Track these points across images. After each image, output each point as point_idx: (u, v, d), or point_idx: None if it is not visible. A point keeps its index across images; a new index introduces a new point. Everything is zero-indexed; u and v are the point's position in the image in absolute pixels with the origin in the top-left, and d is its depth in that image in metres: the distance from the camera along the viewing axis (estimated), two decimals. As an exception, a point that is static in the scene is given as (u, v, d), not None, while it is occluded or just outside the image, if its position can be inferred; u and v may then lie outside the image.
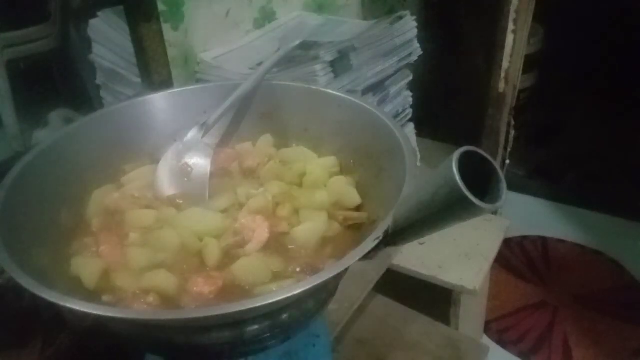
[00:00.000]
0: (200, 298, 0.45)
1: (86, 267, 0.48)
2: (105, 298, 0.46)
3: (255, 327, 0.44)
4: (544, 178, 1.98)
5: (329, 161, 0.59)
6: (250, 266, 0.47)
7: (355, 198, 0.54)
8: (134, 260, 0.49)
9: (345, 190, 0.55)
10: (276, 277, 0.47)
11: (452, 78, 1.52)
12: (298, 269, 0.48)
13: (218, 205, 0.54)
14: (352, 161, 0.58)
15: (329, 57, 0.82)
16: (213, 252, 0.49)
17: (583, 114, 2.14)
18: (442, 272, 0.98)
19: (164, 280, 0.47)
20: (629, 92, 2.03)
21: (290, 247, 0.50)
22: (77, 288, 0.47)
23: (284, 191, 0.55)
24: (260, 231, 0.50)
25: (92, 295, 0.46)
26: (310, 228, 0.51)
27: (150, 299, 0.45)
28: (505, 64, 1.21)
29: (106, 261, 0.49)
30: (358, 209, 0.54)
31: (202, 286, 0.46)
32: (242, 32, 0.97)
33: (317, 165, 0.58)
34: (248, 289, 0.46)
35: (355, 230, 0.52)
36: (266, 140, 0.63)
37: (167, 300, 0.46)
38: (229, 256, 0.49)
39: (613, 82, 2.09)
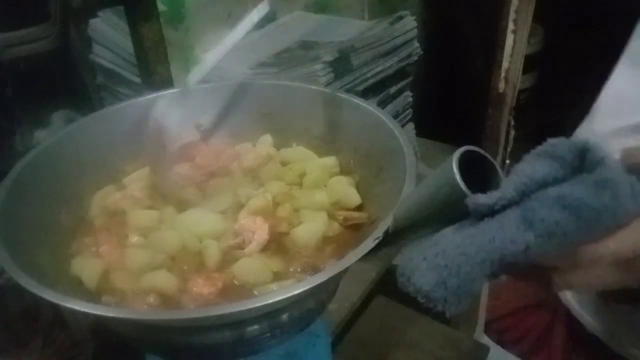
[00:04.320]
0: (200, 299, 0.45)
1: (86, 267, 0.48)
2: (105, 299, 0.46)
3: (255, 327, 0.44)
4: (544, 178, 1.98)
5: (329, 161, 0.59)
6: (250, 266, 0.47)
7: (355, 198, 0.54)
8: (133, 260, 0.49)
9: (346, 190, 0.55)
10: (277, 277, 0.47)
11: (452, 78, 1.52)
12: (299, 269, 0.48)
13: (218, 205, 0.54)
14: (352, 161, 0.58)
15: (329, 57, 0.82)
16: (213, 253, 0.49)
17: (583, 114, 2.14)
18: (442, 272, 0.98)
19: (164, 280, 0.47)
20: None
21: (290, 247, 0.50)
22: (77, 288, 0.47)
23: (284, 191, 0.55)
24: (260, 232, 0.50)
25: (92, 296, 0.46)
26: (310, 228, 0.51)
27: (150, 299, 0.45)
28: (505, 64, 1.21)
29: (106, 261, 0.49)
30: (358, 209, 0.54)
31: (202, 287, 0.46)
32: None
33: (317, 165, 0.58)
34: (248, 289, 0.46)
35: (356, 230, 0.52)
36: (266, 140, 0.63)
37: (167, 301, 0.46)
38: (229, 257, 0.49)
39: (613, 82, 2.09)
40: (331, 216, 0.53)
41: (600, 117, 0.67)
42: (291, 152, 0.61)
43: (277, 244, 0.50)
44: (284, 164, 0.60)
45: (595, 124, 0.68)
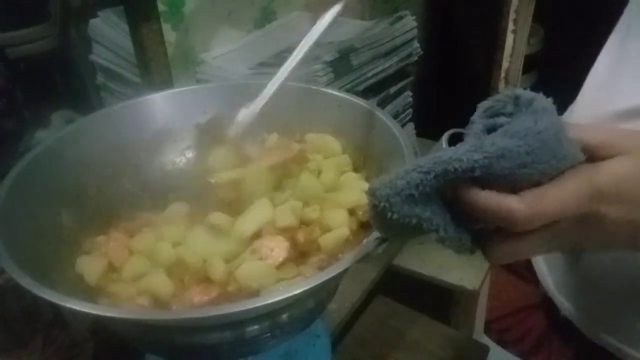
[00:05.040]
0: (190, 306, 0.45)
1: (89, 264, 0.48)
2: (101, 299, 0.46)
3: (255, 327, 0.44)
4: (544, 178, 1.97)
5: (342, 159, 0.58)
6: (255, 271, 0.47)
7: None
8: (132, 266, 0.49)
9: (362, 187, 0.54)
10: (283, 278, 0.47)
11: (452, 78, 1.52)
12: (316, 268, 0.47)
13: (247, 229, 0.51)
14: (352, 161, 0.58)
15: (329, 57, 0.82)
16: (217, 269, 0.47)
17: (583, 114, 2.13)
18: (442, 272, 0.98)
19: (160, 284, 0.46)
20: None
21: (312, 252, 0.49)
22: (78, 287, 0.47)
23: (313, 194, 0.54)
24: (278, 250, 0.49)
25: (92, 292, 0.46)
26: (338, 235, 0.50)
27: (143, 301, 0.45)
28: (505, 64, 1.21)
29: (110, 258, 0.49)
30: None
31: (194, 295, 0.45)
32: (242, 32, 0.97)
33: (331, 164, 0.57)
34: (252, 293, 0.46)
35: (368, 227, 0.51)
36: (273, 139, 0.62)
37: (159, 305, 0.46)
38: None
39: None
40: (351, 213, 0.52)
41: (579, 106, 0.65)
42: (316, 139, 0.60)
43: (297, 255, 0.49)
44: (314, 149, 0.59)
45: (574, 114, 0.66)
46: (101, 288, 0.47)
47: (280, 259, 0.48)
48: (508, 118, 0.34)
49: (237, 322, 0.44)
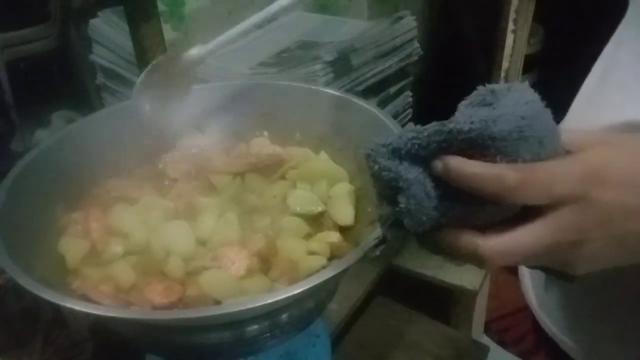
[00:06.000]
0: (149, 305, 0.45)
1: (71, 247, 0.49)
2: (75, 284, 0.46)
3: (255, 327, 0.44)
4: (544, 178, 1.97)
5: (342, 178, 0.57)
6: (217, 281, 0.47)
7: (348, 218, 0.53)
8: (107, 250, 0.49)
9: (342, 207, 0.53)
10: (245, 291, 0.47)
11: (452, 78, 1.52)
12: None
13: (205, 229, 0.52)
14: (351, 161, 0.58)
15: (329, 57, 0.82)
16: (175, 268, 0.47)
17: (583, 114, 2.13)
18: (442, 272, 0.98)
19: (122, 272, 0.47)
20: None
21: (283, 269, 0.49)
22: (56, 269, 0.47)
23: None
24: (238, 265, 0.48)
25: (69, 276, 0.47)
26: (316, 263, 0.49)
27: (106, 288, 0.45)
28: (505, 64, 1.21)
29: (93, 239, 0.49)
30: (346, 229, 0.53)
31: (155, 294, 0.45)
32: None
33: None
34: (212, 301, 0.45)
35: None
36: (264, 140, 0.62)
37: (120, 294, 0.45)
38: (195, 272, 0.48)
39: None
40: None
41: (568, 122, 0.64)
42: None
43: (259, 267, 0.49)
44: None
45: (565, 125, 0.65)
46: (77, 271, 0.47)
47: (237, 274, 0.47)
48: (490, 107, 0.34)
49: (236, 322, 0.44)
